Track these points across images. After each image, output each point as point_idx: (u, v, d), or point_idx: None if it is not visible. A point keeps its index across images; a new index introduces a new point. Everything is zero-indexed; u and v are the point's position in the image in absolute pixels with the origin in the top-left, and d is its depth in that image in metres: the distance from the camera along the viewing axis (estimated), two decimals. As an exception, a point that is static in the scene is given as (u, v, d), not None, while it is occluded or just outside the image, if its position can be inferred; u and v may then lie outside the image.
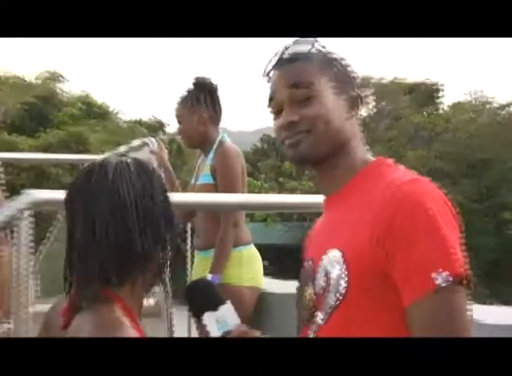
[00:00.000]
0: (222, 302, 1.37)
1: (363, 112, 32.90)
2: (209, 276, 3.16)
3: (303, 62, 1.34)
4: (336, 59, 1.37)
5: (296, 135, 1.32)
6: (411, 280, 1.16)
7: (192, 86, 3.33)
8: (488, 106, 28.94)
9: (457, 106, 30.22)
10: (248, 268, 3.26)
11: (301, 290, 1.37)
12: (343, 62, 1.39)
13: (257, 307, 3.28)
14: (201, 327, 1.36)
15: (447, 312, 1.14)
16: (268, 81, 1.39)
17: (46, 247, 3.78)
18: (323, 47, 1.37)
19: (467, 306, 1.17)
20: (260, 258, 3.36)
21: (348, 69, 1.39)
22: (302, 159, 1.35)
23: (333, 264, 1.26)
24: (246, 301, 3.21)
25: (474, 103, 29.73)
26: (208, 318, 1.33)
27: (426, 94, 31.62)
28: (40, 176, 23.45)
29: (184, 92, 3.40)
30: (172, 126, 26.84)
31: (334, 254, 1.26)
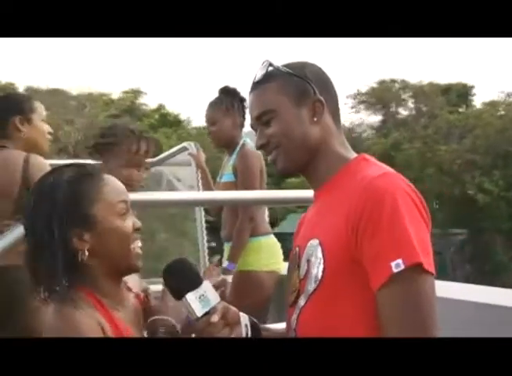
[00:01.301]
0: (201, 280, 1.32)
1: (403, 112, 34.92)
2: (225, 264, 3.36)
3: (263, 86, 1.38)
4: (290, 74, 1.36)
5: (270, 154, 1.39)
6: (374, 267, 1.20)
7: (224, 93, 3.44)
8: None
9: (487, 105, 31.45)
10: (267, 255, 3.42)
11: (288, 275, 1.44)
12: (300, 71, 1.38)
13: (278, 290, 3.34)
14: (185, 306, 1.31)
15: (404, 298, 1.17)
16: None
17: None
18: (285, 67, 1.39)
19: (430, 292, 1.18)
20: (279, 246, 3.48)
21: (309, 76, 1.38)
22: (284, 172, 1.41)
23: (313, 252, 1.31)
24: (265, 284, 3.39)
25: (502, 101, 31.20)
26: (191, 297, 1.29)
27: (459, 94, 33.20)
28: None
29: (216, 98, 3.45)
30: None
31: (315, 243, 1.32)
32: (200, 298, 1.31)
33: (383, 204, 1.22)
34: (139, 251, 1.41)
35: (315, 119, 1.38)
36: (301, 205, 2.90)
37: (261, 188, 3.35)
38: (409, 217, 1.22)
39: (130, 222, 1.40)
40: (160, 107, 32.89)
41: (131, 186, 2.09)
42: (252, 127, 1.44)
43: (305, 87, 1.38)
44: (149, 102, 35.06)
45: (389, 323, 1.19)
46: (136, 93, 34.01)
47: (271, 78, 1.38)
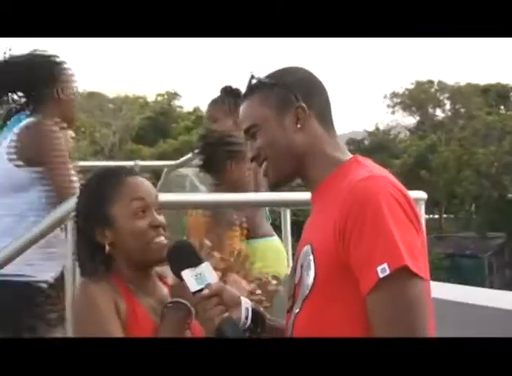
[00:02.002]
0: (201, 261, 1.38)
1: (440, 113, 34.54)
2: None
3: (247, 100, 1.41)
4: (273, 84, 1.38)
5: (261, 166, 1.41)
6: (361, 273, 1.19)
7: (227, 93, 3.35)
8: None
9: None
10: (261, 258, 3.06)
11: (288, 281, 1.43)
12: (282, 79, 1.39)
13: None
14: (184, 284, 1.38)
15: (392, 303, 1.16)
16: None
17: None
18: (266, 77, 1.40)
19: (419, 295, 1.17)
20: (281, 248, 3.23)
21: (291, 83, 1.38)
22: (275, 184, 1.42)
23: (305, 258, 1.31)
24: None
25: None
26: (187, 274, 1.36)
27: (497, 95, 32.91)
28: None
29: (219, 96, 3.40)
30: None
31: (307, 249, 1.31)
32: (196, 275, 1.37)
33: (366, 208, 1.21)
34: (161, 246, 1.49)
35: (299, 126, 1.37)
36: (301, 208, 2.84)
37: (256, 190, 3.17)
38: (394, 219, 1.20)
39: (146, 220, 1.50)
40: (196, 109, 32.93)
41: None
42: (246, 139, 1.47)
43: (286, 95, 1.38)
44: (184, 104, 35.56)
45: (378, 328, 1.18)
46: (171, 96, 34.38)
47: (253, 91, 1.41)
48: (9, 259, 2.05)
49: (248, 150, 1.45)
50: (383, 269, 1.16)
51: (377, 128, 36.16)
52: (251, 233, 3.13)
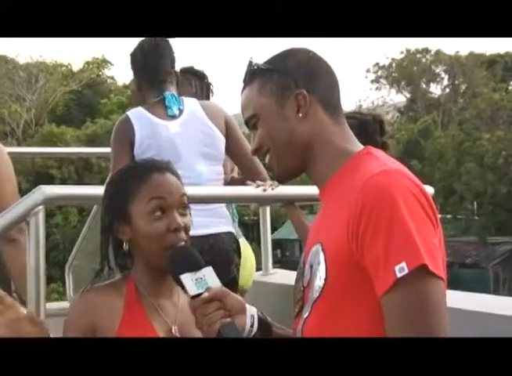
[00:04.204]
0: (202, 265, 1.45)
1: (436, 90, 33.57)
2: None
3: (246, 89, 1.47)
4: (271, 69, 1.44)
5: (265, 158, 1.48)
6: (377, 272, 1.24)
7: (192, 74, 3.44)
8: None
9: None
10: None
11: (294, 285, 1.50)
12: (281, 64, 1.45)
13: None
14: (182, 289, 1.46)
15: (411, 303, 1.21)
16: None
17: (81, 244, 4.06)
18: (266, 63, 1.46)
19: (437, 295, 1.23)
20: (246, 253, 3.21)
21: (290, 68, 1.44)
22: (280, 178, 1.52)
23: (315, 258, 1.36)
24: None
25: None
26: (186, 278, 1.41)
27: (506, 68, 31.73)
28: (84, 168, 25.23)
29: (184, 78, 3.36)
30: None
31: (317, 248, 1.36)
32: (196, 279, 1.42)
33: (381, 204, 1.26)
34: None
35: (300, 115, 1.43)
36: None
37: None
38: (411, 216, 1.25)
39: (164, 222, 1.59)
40: (132, 82, 30.65)
41: None
42: (249, 130, 1.55)
43: (286, 81, 1.44)
44: (117, 75, 34.07)
45: (394, 331, 1.24)
46: (101, 64, 32.36)
47: (252, 79, 1.47)
48: None
49: (250, 141, 1.53)
50: (401, 269, 1.21)
51: (359, 107, 34.97)
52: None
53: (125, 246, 1.62)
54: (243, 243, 3.25)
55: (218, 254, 2.56)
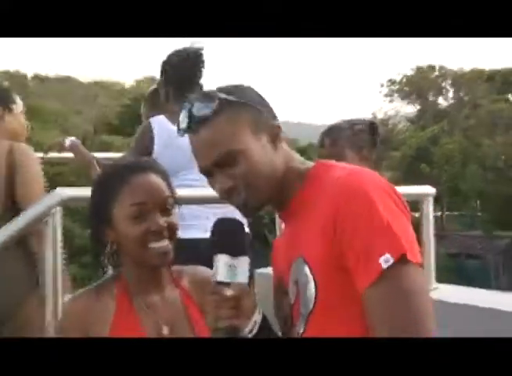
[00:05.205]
0: (245, 253, 1.31)
1: (442, 102, 34.15)
2: None
3: (211, 124, 1.29)
4: (243, 103, 1.31)
5: (238, 196, 1.32)
6: (359, 266, 1.19)
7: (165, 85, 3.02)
8: None
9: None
10: None
11: (276, 302, 1.43)
12: (253, 99, 1.34)
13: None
14: (214, 264, 1.31)
15: (397, 292, 1.17)
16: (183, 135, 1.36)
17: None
18: (227, 95, 1.31)
19: (421, 282, 1.20)
20: None
21: (255, 99, 1.35)
22: (255, 211, 1.37)
23: (299, 271, 1.29)
24: None
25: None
26: (222, 259, 1.29)
27: (504, 81, 32.34)
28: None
29: (155, 89, 3.31)
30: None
31: (298, 262, 1.30)
32: (230, 266, 1.30)
33: (356, 201, 1.22)
34: (159, 252, 1.52)
35: (277, 144, 1.36)
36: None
37: None
38: (386, 209, 1.22)
39: (143, 226, 1.50)
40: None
41: None
42: (205, 172, 1.35)
43: (258, 113, 1.34)
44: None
45: (382, 322, 1.19)
46: (151, 81, 32.52)
47: (218, 111, 1.31)
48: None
49: (218, 183, 1.35)
50: (386, 259, 1.18)
51: (374, 118, 34.42)
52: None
53: (112, 246, 1.56)
54: None
55: None
